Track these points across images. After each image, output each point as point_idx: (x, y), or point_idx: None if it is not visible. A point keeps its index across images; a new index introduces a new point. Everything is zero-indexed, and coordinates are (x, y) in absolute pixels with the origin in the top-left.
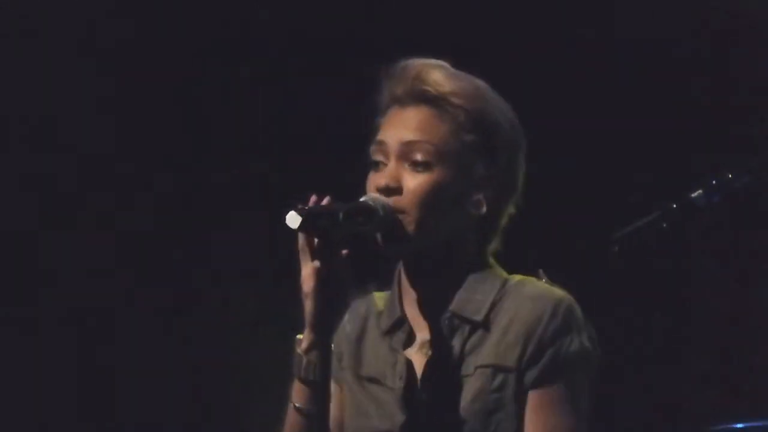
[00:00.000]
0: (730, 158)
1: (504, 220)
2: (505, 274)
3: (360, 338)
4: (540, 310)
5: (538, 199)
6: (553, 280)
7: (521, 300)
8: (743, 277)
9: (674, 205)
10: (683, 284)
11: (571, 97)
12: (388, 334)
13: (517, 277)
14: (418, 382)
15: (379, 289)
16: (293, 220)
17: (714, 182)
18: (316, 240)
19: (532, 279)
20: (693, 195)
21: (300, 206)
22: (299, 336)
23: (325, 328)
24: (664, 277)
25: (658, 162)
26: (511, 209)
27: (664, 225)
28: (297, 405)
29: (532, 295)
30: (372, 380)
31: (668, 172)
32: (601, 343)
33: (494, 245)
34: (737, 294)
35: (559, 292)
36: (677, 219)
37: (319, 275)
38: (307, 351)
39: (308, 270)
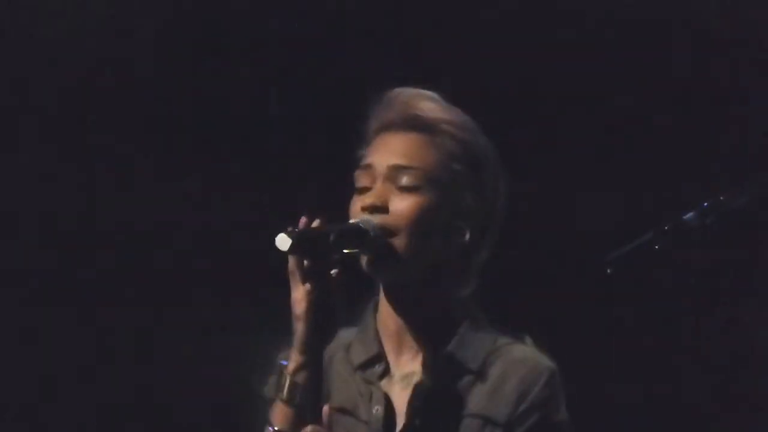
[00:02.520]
0: (722, 179)
1: (482, 259)
2: (488, 324)
3: (326, 371)
4: (534, 374)
5: (532, 220)
6: (539, 346)
7: (514, 361)
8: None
9: (666, 227)
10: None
11: (563, 117)
12: (362, 368)
13: (506, 339)
14: (397, 414)
15: (345, 326)
16: (283, 242)
17: (706, 204)
18: (306, 262)
19: (521, 344)
20: (685, 216)
21: (290, 228)
22: (281, 358)
23: (315, 350)
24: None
25: (651, 182)
26: (487, 251)
27: (657, 247)
28: (277, 428)
29: (525, 358)
30: (342, 411)
31: (660, 192)
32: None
33: (472, 286)
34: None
35: (549, 360)
36: (670, 240)
37: (310, 298)
38: (295, 373)
39: (299, 293)
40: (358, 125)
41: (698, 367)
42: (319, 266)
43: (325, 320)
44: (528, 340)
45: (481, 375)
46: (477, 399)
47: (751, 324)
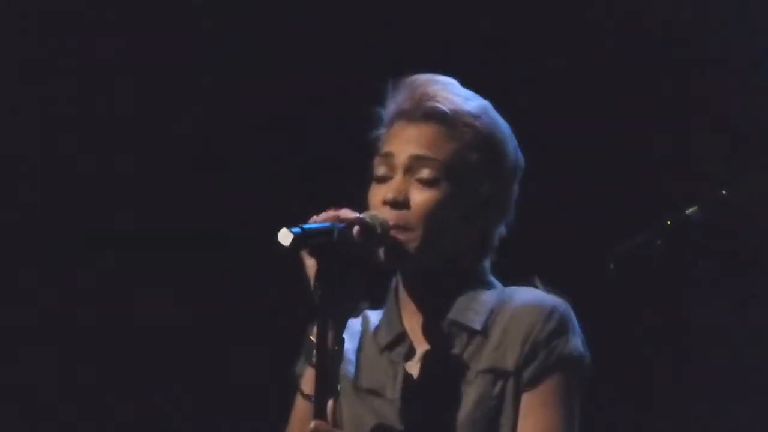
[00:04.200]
0: (724, 174)
1: (496, 238)
2: (500, 285)
3: (357, 353)
4: (536, 314)
5: (536, 214)
6: (549, 286)
7: (518, 306)
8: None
9: (669, 222)
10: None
11: (567, 110)
12: (388, 348)
13: (513, 289)
14: (416, 392)
15: (371, 308)
16: (285, 237)
17: (709, 198)
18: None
19: (528, 287)
20: (688, 212)
21: (293, 224)
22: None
23: (334, 314)
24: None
25: (654, 178)
26: (503, 230)
27: (659, 241)
28: (307, 393)
29: (528, 300)
30: (371, 392)
31: (664, 188)
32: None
33: (491, 260)
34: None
35: (554, 297)
36: (672, 235)
37: (318, 269)
38: None
39: (309, 261)
40: (375, 108)
41: (701, 360)
42: (323, 263)
43: (338, 289)
44: (537, 282)
45: (486, 332)
46: (485, 355)
47: (752, 317)
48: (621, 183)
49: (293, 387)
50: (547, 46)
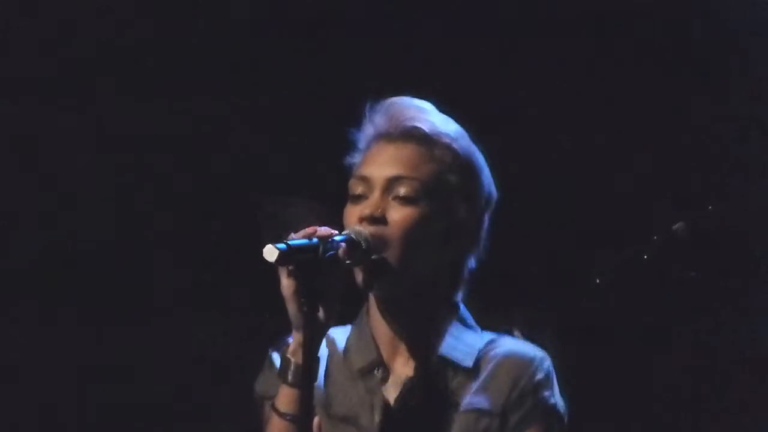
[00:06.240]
0: (710, 191)
1: (467, 269)
2: (479, 327)
3: (326, 377)
4: (526, 362)
5: (523, 227)
6: (529, 338)
7: (505, 354)
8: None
9: (655, 237)
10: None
11: (552, 126)
12: (362, 374)
13: (495, 335)
14: (396, 421)
15: (335, 326)
16: (271, 253)
17: (694, 215)
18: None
19: (510, 336)
20: (674, 227)
21: (278, 240)
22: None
23: (311, 330)
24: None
25: (640, 194)
26: (473, 261)
27: (646, 257)
28: (283, 411)
29: (516, 349)
30: (344, 419)
31: (649, 204)
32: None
33: (463, 292)
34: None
35: (539, 349)
36: (658, 251)
37: (297, 284)
38: (296, 353)
39: (285, 278)
40: (351, 133)
41: (688, 374)
42: (306, 275)
43: (315, 305)
44: (516, 333)
45: (475, 372)
46: (471, 395)
47: (741, 330)
48: (608, 197)
49: (257, 403)
50: (540, 49)
